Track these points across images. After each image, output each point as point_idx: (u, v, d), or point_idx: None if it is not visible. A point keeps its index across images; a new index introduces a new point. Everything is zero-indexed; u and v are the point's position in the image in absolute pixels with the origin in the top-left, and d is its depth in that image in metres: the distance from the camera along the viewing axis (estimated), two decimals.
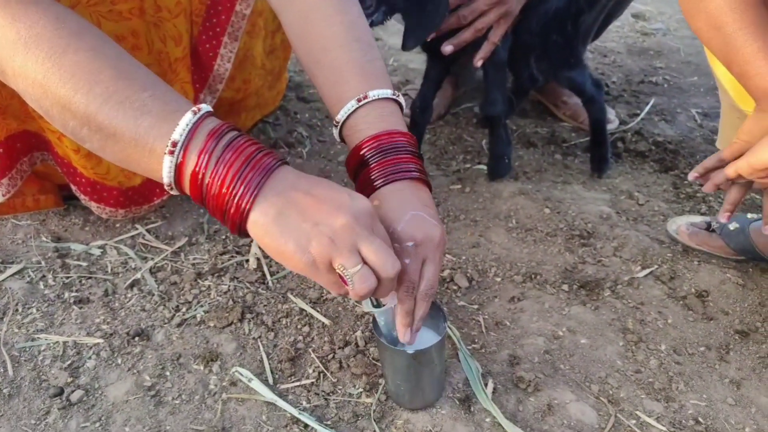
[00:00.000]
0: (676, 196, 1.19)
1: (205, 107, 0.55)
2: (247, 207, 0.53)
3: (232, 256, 0.97)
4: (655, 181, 1.24)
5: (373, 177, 0.64)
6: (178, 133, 0.53)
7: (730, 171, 0.75)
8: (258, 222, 0.53)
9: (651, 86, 1.69)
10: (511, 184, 1.19)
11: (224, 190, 0.53)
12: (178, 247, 0.99)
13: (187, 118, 0.53)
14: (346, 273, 0.54)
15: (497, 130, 1.16)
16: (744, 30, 0.73)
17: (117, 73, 0.54)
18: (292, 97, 1.52)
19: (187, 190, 0.55)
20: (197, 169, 0.53)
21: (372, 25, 0.93)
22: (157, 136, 0.53)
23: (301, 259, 0.53)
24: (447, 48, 1.04)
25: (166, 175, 0.54)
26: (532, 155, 1.33)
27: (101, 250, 0.98)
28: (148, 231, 1.03)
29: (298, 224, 0.53)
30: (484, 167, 1.25)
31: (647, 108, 1.54)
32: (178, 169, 0.54)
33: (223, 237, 1.02)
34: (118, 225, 1.04)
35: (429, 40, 1.06)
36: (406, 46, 1.02)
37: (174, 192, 0.57)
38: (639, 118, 1.48)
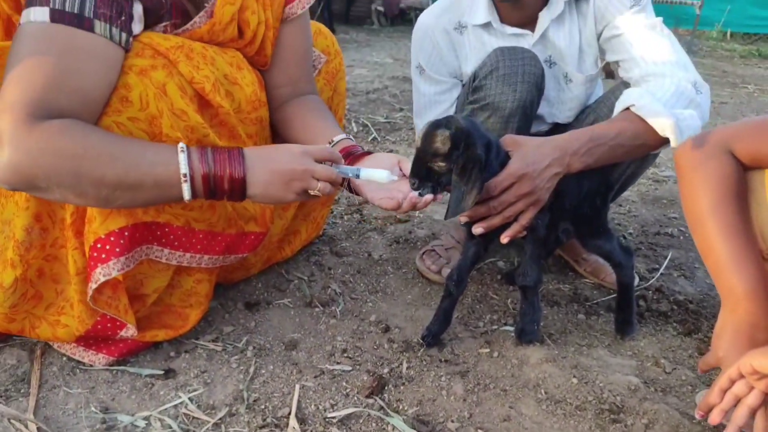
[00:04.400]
0: None
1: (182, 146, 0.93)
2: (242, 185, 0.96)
3: (272, 430, 1.01)
4: (680, 345, 1.27)
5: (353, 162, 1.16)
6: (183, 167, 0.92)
7: (723, 380, 0.79)
8: (257, 196, 0.97)
9: (667, 238, 1.77)
10: (538, 349, 1.23)
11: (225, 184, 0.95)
12: (219, 419, 1.03)
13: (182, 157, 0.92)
14: (314, 192, 0.99)
15: (530, 298, 1.22)
16: (721, 233, 0.82)
17: (120, 151, 0.89)
18: (326, 251, 1.62)
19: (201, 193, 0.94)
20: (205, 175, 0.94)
21: (421, 195, 1.08)
22: (173, 177, 0.91)
23: (290, 197, 0.99)
24: (477, 230, 1.13)
25: (186, 193, 0.91)
26: (556, 314, 1.37)
27: (146, 422, 1.02)
28: (190, 399, 1.07)
29: (279, 186, 0.97)
30: (511, 329, 1.29)
31: (665, 263, 1.60)
32: (193, 190, 0.93)
33: (262, 407, 1.06)
34: (162, 392, 1.09)
35: (467, 221, 1.15)
36: (445, 218, 1.14)
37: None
38: (658, 274, 1.54)
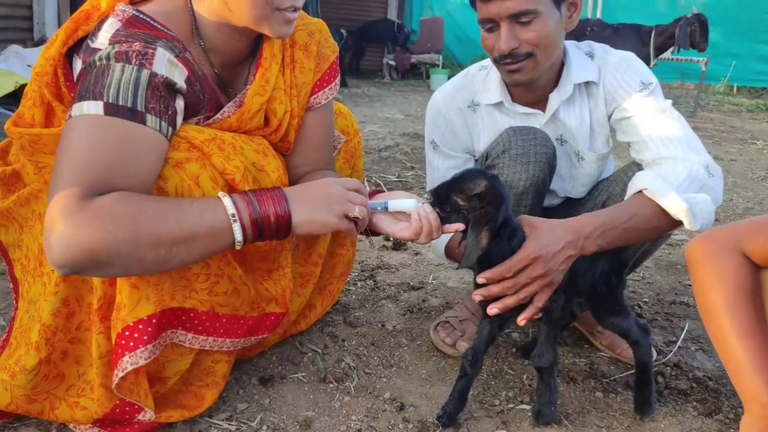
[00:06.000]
0: None
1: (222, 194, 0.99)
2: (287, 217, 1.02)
3: None
4: (701, 426, 1.24)
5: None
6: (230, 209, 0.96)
7: None
8: (301, 223, 1.03)
9: (683, 307, 1.75)
10: (555, 431, 1.21)
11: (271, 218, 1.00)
12: None
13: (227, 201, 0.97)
14: (353, 214, 1.04)
15: (546, 379, 1.21)
16: (739, 334, 0.82)
17: (171, 208, 0.93)
18: (340, 321, 1.62)
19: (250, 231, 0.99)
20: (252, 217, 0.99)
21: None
22: (223, 220, 0.96)
23: (334, 221, 1.03)
24: (492, 311, 1.14)
25: (238, 234, 0.96)
26: (573, 392, 1.36)
27: None
28: None
29: (321, 209, 1.03)
30: (528, 407, 1.28)
31: (683, 334, 1.58)
32: (243, 230, 0.97)
33: None
34: None
35: (482, 300, 1.16)
36: (456, 268, 1.18)
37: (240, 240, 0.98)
38: (676, 347, 1.52)
